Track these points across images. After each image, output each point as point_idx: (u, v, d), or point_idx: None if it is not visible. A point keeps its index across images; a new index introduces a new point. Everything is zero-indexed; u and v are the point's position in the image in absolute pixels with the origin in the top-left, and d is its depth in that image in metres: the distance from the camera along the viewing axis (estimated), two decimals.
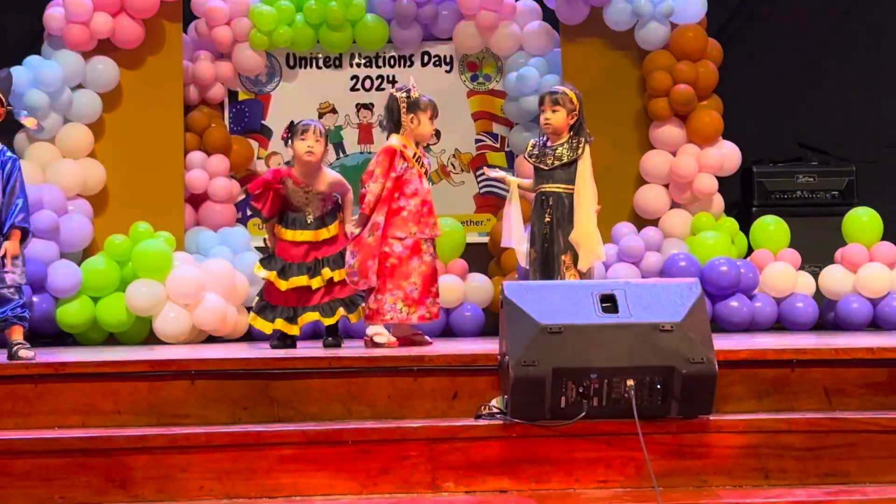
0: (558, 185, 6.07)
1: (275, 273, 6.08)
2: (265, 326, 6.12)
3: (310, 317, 6.10)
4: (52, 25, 7.55)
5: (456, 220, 7.89)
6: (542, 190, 6.11)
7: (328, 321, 6.09)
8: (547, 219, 6.07)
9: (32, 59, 7.48)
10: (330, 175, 6.21)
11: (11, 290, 5.48)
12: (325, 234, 6.12)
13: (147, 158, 7.70)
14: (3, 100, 5.57)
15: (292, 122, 6.18)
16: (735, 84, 8.17)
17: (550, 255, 6.04)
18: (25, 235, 5.58)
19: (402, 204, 5.96)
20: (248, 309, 7.37)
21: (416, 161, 6.02)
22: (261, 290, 6.26)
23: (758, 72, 8.51)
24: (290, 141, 6.14)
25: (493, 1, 8.04)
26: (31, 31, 7.89)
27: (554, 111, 6.07)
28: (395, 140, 6.03)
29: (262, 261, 6.21)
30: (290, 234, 6.13)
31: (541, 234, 6.08)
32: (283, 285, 6.06)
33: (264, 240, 6.31)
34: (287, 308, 6.10)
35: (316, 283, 6.05)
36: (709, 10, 7.93)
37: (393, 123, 6.05)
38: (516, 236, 6.22)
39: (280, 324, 6.08)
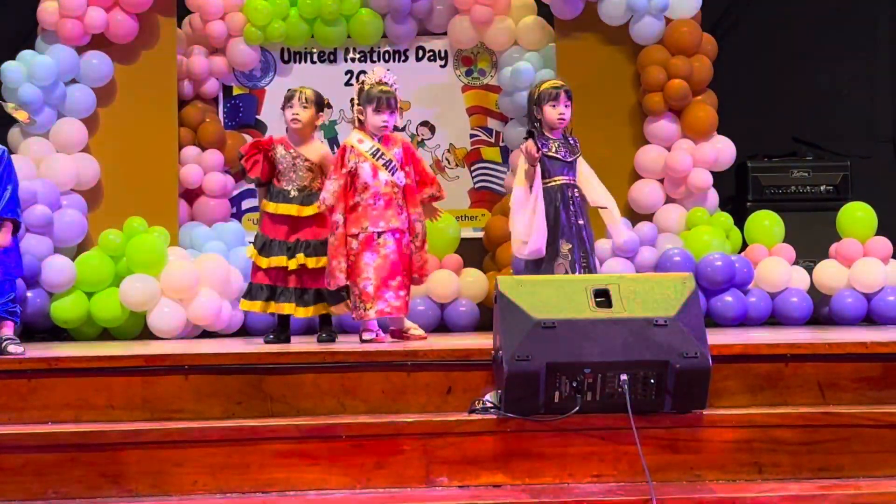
0: (570, 178, 6.10)
1: (256, 251, 6.09)
2: (252, 306, 6.14)
3: (286, 308, 6.08)
4: (46, 20, 7.53)
5: (450, 215, 7.87)
6: (566, 182, 6.06)
7: (301, 313, 6.08)
8: (572, 209, 6.07)
9: (26, 54, 7.46)
10: (322, 148, 6.30)
11: (7, 282, 5.48)
12: (307, 210, 6.10)
13: (141, 153, 7.68)
14: None
15: (289, 90, 6.24)
16: (730, 79, 8.17)
17: (585, 250, 6.04)
18: (17, 227, 5.57)
19: (356, 200, 5.96)
20: None
21: (373, 155, 5.98)
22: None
23: (752, 66, 8.52)
24: (283, 107, 6.23)
25: None
26: (25, 25, 7.87)
27: (567, 106, 6.11)
28: (352, 135, 6.05)
29: (254, 242, 6.24)
30: (272, 207, 6.14)
31: (574, 228, 6.04)
32: (263, 262, 6.08)
33: (257, 235, 6.29)
34: (266, 287, 6.10)
35: (292, 264, 6.05)
36: (703, 5, 7.92)
37: (354, 116, 6.08)
38: (538, 225, 6.14)
39: (258, 306, 6.09)
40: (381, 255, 5.93)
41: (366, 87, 6.03)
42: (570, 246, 6.09)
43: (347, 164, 5.94)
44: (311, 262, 6.05)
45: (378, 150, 5.98)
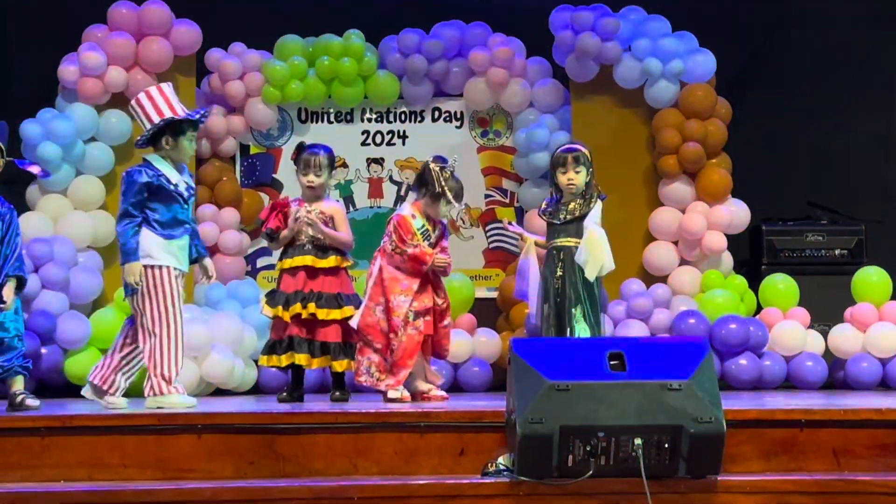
0: (569, 240, 6.14)
1: (280, 307, 6.11)
2: (270, 361, 6.16)
3: (299, 359, 6.09)
4: (67, 79, 7.63)
5: (465, 275, 7.88)
6: (554, 245, 6.18)
7: (314, 363, 6.09)
8: (558, 272, 6.12)
9: (46, 112, 7.55)
10: (337, 204, 6.47)
11: (15, 338, 5.50)
12: (323, 263, 6.15)
13: None
14: (3, 150, 5.59)
15: (301, 144, 6.33)
16: (744, 142, 8.20)
17: (563, 309, 6.07)
18: (21, 285, 5.60)
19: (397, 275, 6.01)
20: (257, 362, 7.41)
21: (423, 235, 6.06)
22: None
23: (767, 130, 8.54)
24: (296, 165, 6.31)
25: (504, 58, 8.10)
26: (46, 83, 7.96)
27: (577, 171, 6.15)
28: (406, 208, 6.12)
29: (266, 298, 6.26)
30: (289, 262, 6.21)
31: (553, 289, 6.12)
32: (286, 316, 6.10)
33: (276, 293, 6.30)
34: (283, 340, 6.13)
35: (304, 312, 6.08)
36: (718, 69, 7.99)
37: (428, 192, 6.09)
38: (532, 291, 6.24)
39: (274, 360, 6.11)
40: (409, 335, 5.95)
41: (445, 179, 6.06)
42: (547, 309, 6.14)
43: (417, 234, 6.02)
44: (321, 314, 6.08)
45: (427, 230, 6.05)
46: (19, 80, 8.23)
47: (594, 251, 6.02)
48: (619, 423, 4.28)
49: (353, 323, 6.00)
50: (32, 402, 5.34)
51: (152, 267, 5.52)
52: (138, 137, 5.70)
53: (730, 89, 8.26)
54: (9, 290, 5.52)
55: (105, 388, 5.59)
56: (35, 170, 6.29)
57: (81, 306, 7.34)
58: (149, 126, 5.58)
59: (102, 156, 7.68)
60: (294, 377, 6.21)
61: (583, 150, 6.24)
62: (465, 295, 7.78)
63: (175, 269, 5.57)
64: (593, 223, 6.11)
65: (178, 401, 5.41)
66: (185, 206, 5.64)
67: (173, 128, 5.58)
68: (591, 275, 6.05)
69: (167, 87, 5.70)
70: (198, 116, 5.69)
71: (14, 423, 4.76)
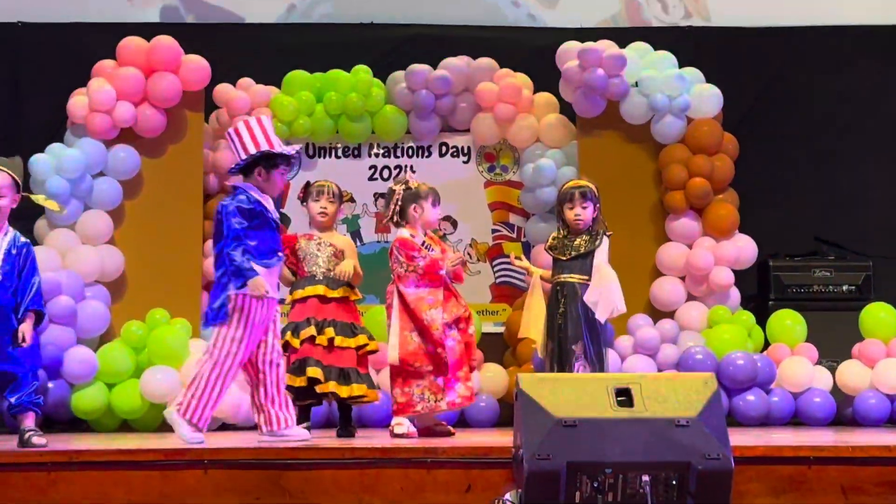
0: (573, 276, 6.16)
1: (289, 333, 6.11)
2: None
3: (313, 371, 6.06)
4: (76, 113, 7.66)
5: (472, 310, 7.86)
6: (559, 280, 6.21)
7: (329, 386, 6.06)
8: (560, 309, 6.14)
9: (55, 147, 7.58)
10: (345, 237, 6.51)
11: (30, 373, 5.51)
12: (334, 293, 6.16)
13: (166, 245, 7.75)
14: (19, 186, 5.64)
15: (308, 183, 6.40)
16: (751, 177, 8.22)
17: (565, 346, 6.07)
18: (40, 318, 5.63)
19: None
20: None
21: (427, 248, 6.08)
22: None
23: (774, 165, 8.56)
24: (305, 201, 6.34)
25: (511, 94, 8.13)
26: (55, 118, 8.00)
27: (584, 207, 6.19)
28: (402, 232, 6.12)
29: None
30: (300, 293, 6.22)
31: (556, 326, 6.13)
32: (296, 342, 6.09)
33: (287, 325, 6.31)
34: (295, 361, 6.11)
35: (321, 339, 6.08)
36: (724, 104, 8.01)
37: (398, 216, 6.13)
38: (535, 327, 6.27)
39: (289, 379, 6.07)
40: (449, 348, 5.96)
41: (413, 187, 6.11)
42: (551, 345, 6.15)
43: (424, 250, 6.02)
44: (339, 341, 6.08)
45: (428, 243, 6.08)
46: (29, 115, 8.28)
47: (605, 293, 6.04)
48: (626, 459, 4.26)
49: (393, 359, 5.97)
50: (39, 440, 5.34)
51: (244, 297, 5.47)
52: (233, 165, 5.69)
53: (737, 125, 8.27)
54: (28, 326, 5.54)
55: (276, 428, 5.53)
56: (52, 205, 6.30)
57: (88, 340, 7.34)
58: (244, 156, 5.57)
59: (111, 190, 7.70)
60: (301, 412, 6.19)
61: (592, 186, 6.30)
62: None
63: (270, 296, 5.54)
64: (604, 263, 6.12)
65: (187, 435, 5.37)
66: (278, 235, 5.65)
67: (268, 160, 5.59)
68: (602, 316, 6.07)
69: (266, 120, 5.73)
70: (293, 153, 5.70)
71: (21, 459, 4.76)
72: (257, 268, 5.40)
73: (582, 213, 6.22)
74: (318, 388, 6.09)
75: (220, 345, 5.40)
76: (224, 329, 5.41)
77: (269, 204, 5.60)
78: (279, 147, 5.61)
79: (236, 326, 5.40)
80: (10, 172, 5.57)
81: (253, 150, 5.54)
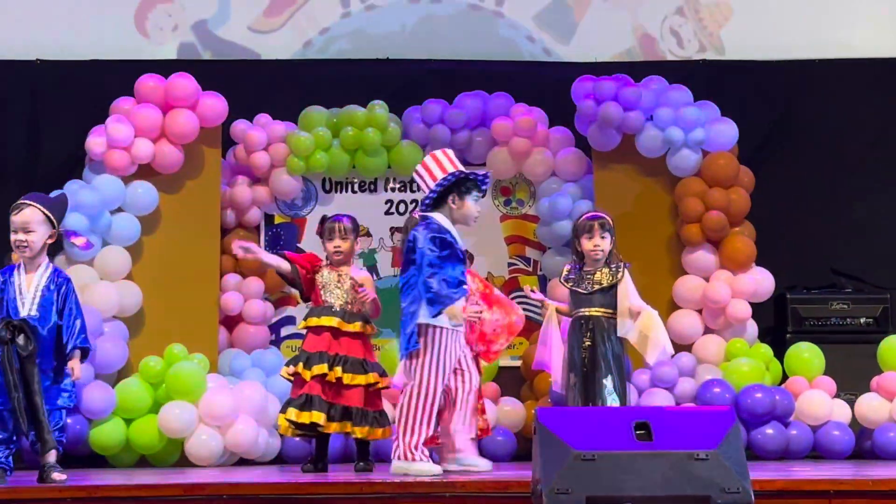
0: (598, 309, 6.16)
1: (301, 364, 6.12)
2: (280, 420, 6.14)
3: (316, 416, 6.05)
4: (94, 150, 7.70)
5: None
6: (581, 314, 6.18)
7: (330, 427, 6.05)
8: (587, 343, 6.12)
9: (73, 184, 7.63)
10: (363, 271, 6.52)
11: (62, 412, 5.53)
12: (349, 327, 6.17)
13: (183, 281, 7.77)
14: (55, 223, 5.64)
15: (324, 217, 6.41)
16: (768, 210, 8.21)
17: (591, 379, 6.06)
18: (86, 355, 5.64)
19: None
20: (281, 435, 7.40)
21: None
22: None
23: (790, 198, 8.54)
24: (321, 237, 6.43)
25: (527, 128, 8.16)
26: (73, 155, 8.06)
27: (603, 237, 6.21)
28: None
29: (289, 361, 6.27)
30: (315, 321, 6.23)
31: (580, 359, 6.11)
32: (307, 375, 6.09)
33: (300, 352, 6.31)
34: (302, 395, 6.09)
35: (330, 376, 6.07)
36: (740, 137, 8.02)
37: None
38: (554, 359, 6.27)
39: (292, 413, 6.06)
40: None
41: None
42: (574, 379, 6.14)
43: None
44: (347, 379, 6.08)
45: None
46: (47, 152, 8.33)
47: (655, 334, 6.04)
48: (645, 493, 4.25)
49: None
50: (59, 476, 5.33)
51: (434, 326, 5.53)
52: (424, 198, 5.74)
53: (752, 157, 8.29)
54: (76, 362, 5.57)
55: (463, 455, 5.67)
56: (80, 241, 6.29)
57: (106, 376, 7.35)
58: (434, 185, 5.62)
59: (129, 226, 7.73)
60: (318, 447, 6.20)
61: (607, 217, 6.32)
62: (488, 364, 7.76)
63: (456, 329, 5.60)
64: (643, 304, 6.13)
65: (425, 468, 5.44)
66: (464, 267, 5.69)
67: (460, 188, 5.62)
68: (652, 359, 6.09)
69: (450, 151, 5.80)
70: (483, 177, 5.74)
71: (41, 494, 4.78)
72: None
73: (601, 244, 6.24)
74: (320, 430, 6.10)
75: (416, 374, 5.56)
76: (417, 358, 5.55)
77: (458, 235, 5.63)
78: (468, 171, 5.67)
79: (429, 354, 5.53)
80: (41, 208, 5.57)
81: (441, 177, 5.56)
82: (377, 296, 6.40)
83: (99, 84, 8.20)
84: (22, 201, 5.57)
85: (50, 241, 5.63)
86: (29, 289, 5.45)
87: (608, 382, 6.07)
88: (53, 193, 6.14)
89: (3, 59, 8.38)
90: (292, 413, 6.09)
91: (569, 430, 4.38)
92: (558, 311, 6.39)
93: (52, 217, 5.61)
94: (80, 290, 7.37)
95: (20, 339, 5.33)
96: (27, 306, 5.43)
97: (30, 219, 5.50)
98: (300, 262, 6.40)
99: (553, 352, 6.32)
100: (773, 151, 8.62)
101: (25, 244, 5.46)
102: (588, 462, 4.28)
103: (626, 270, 6.19)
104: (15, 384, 5.33)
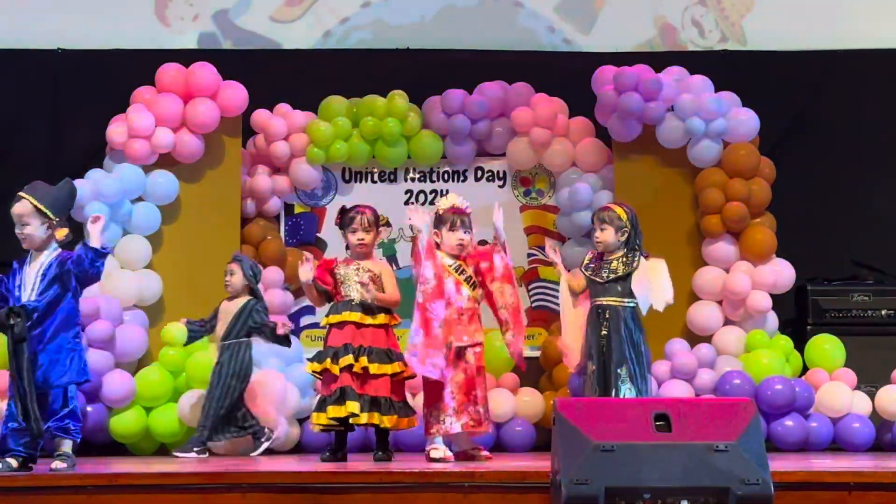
0: (613, 299, 6.16)
1: (328, 360, 6.11)
2: (319, 418, 6.12)
3: (352, 406, 6.05)
4: (115, 140, 7.73)
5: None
6: (598, 303, 6.20)
7: (362, 418, 6.05)
8: (603, 332, 6.12)
9: (95, 173, 7.66)
10: (382, 262, 6.49)
11: (61, 390, 5.41)
12: (370, 319, 6.17)
13: (203, 270, 7.79)
14: (49, 214, 5.41)
15: (343, 208, 6.39)
16: (788, 201, 8.18)
17: (608, 368, 6.06)
18: (101, 255, 5.43)
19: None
20: (300, 421, 7.42)
21: (456, 270, 6.10)
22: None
23: (811, 189, 8.51)
24: (342, 228, 6.36)
25: (547, 118, 8.15)
26: (95, 144, 8.08)
27: (602, 229, 6.21)
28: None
29: (313, 358, 6.27)
30: (336, 318, 6.21)
31: (598, 348, 6.12)
32: (336, 369, 6.09)
33: (324, 349, 6.31)
34: (336, 390, 6.10)
35: (356, 367, 6.08)
36: (761, 128, 7.99)
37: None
38: (568, 336, 6.27)
39: (331, 411, 6.06)
40: (464, 370, 5.96)
41: (439, 212, 6.17)
42: (594, 367, 6.13)
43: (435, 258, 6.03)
44: (373, 368, 6.08)
45: (460, 265, 6.08)
46: (69, 141, 8.36)
47: (656, 283, 6.05)
48: (665, 484, 4.24)
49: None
50: (58, 464, 5.28)
51: None
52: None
53: (773, 148, 8.26)
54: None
55: None
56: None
57: (126, 364, 7.39)
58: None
59: (149, 215, 7.76)
60: (337, 438, 6.20)
61: (614, 209, 6.28)
62: (507, 354, 7.73)
63: None
64: (653, 261, 6.15)
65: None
66: None
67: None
68: (661, 305, 6.07)
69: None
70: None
71: (60, 482, 4.79)
72: None
73: (600, 236, 6.25)
74: (353, 421, 6.10)
75: None
76: None
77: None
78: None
79: None
80: (32, 200, 5.43)
81: None
82: (396, 286, 6.34)
83: (120, 73, 8.23)
84: (19, 193, 5.48)
85: (49, 231, 5.45)
86: (31, 276, 5.43)
87: (623, 371, 6.07)
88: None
89: (25, 48, 8.42)
90: (331, 410, 6.07)
91: (588, 421, 4.37)
92: (571, 290, 6.37)
93: (45, 209, 5.40)
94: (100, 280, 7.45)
95: (17, 325, 5.28)
96: (27, 293, 5.39)
97: (22, 211, 5.41)
98: (324, 279, 6.33)
99: (566, 326, 6.32)
100: (794, 142, 8.58)
101: (23, 237, 5.44)
102: (607, 453, 4.28)
103: (642, 259, 6.18)
104: (14, 372, 5.29)
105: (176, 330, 7.09)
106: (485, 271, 6.20)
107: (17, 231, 5.42)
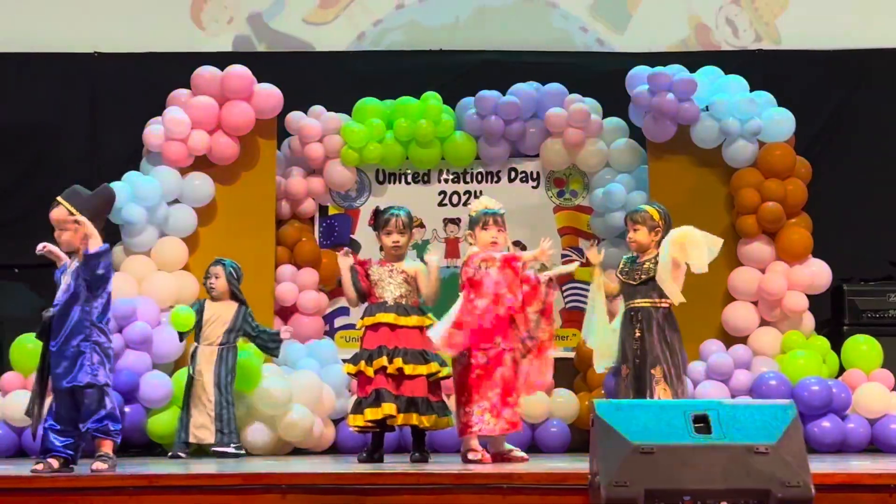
0: (646, 300, 6.15)
1: (363, 362, 6.13)
2: (356, 420, 6.13)
3: (389, 408, 6.06)
4: (152, 142, 7.78)
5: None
6: (632, 305, 6.19)
7: (399, 419, 6.06)
8: (637, 334, 6.11)
9: (131, 175, 7.70)
10: (416, 263, 6.43)
11: (90, 391, 5.43)
12: (405, 321, 6.17)
13: None
14: (87, 218, 5.47)
15: (377, 209, 6.38)
16: (824, 201, 8.14)
17: (643, 370, 6.05)
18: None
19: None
20: (335, 421, 7.44)
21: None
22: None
23: (847, 189, 8.48)
24: (376, 229, 6.36)
25: (580, 119, 8.14)
26: (131, 147, 8.14)
27: (635, 230, 6.20)
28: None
29: (350, 359, 6.29)
30: (370, 319, 6.22)
31: (632, 351, 6.11)
32: (370, 371, 6.10)
33: (360, 351, 6.32)
34: (371, 392, 6.11)
35: (390, 368, 6.08)
36: (797, 127, 7.95)
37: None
38: (597, 336, 6.26)
39: (368, 413, 6.07)
40: (501, 373, 5.96)
41: (472, 214, 6.18)
42: (627, 370, 6.12)
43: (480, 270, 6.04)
44: (408, 369, 6.08)
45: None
46: (105, 144, 8.44)
47: (691, 243, 6.01)
48: (705, 486, 4.23)
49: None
50: (98, 465, 5.32)
51: None
52: None
53: (809, 148, 8.22)
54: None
55: None
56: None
57: (163, 366, 7.43)
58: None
59: (185, 217, 7.81)
60: (374, 439, 6.21)
61: (647, 209, 6.27)
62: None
63: None
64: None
65: None
66: None
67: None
68: (704, 265, 6.01)
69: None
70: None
71: (101, 482, 4.83)
72: None
73: (633, 237, 6.25)
74: (390, 423, 6.11)
75: None
76: None
77: None
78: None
79: None
80: (67, 206, 5.45)
81: None
82: (432, 287, 6.33)
83: (156, 76, 8.30)
84: (57, 198, 5.51)
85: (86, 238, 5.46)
86: (64, 281, 5.48)
87: (657, 372, 6.06)
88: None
89: (62, 52, 8.50)
90: (368, 412, 6.08)
91: (627, 422, 4.37)
92: (606, 291, 6.34)
93: (81, 213, 5.38)
94: (137, 281, 7.52)
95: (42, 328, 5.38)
96: (59, 297, 5.46)
97: (59, 217, 5.46)
98: (363, 279, 6.35)
99: (594, 325, 6.29)
100: (830, 142, 8.55)
101: (61, 242, 5.47)
102: (647, 455, 4.27)
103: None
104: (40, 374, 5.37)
105: (185, 313, 7.02)
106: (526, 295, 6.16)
107: (55, 236, 5.47)
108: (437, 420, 6.15)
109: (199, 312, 7.06)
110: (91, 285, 5.42)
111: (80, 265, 5.40)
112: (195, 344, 7.05)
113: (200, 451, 6.92)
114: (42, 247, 5.48)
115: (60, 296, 5.42)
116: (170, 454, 6.84)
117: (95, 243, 5.39)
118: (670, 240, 6.08)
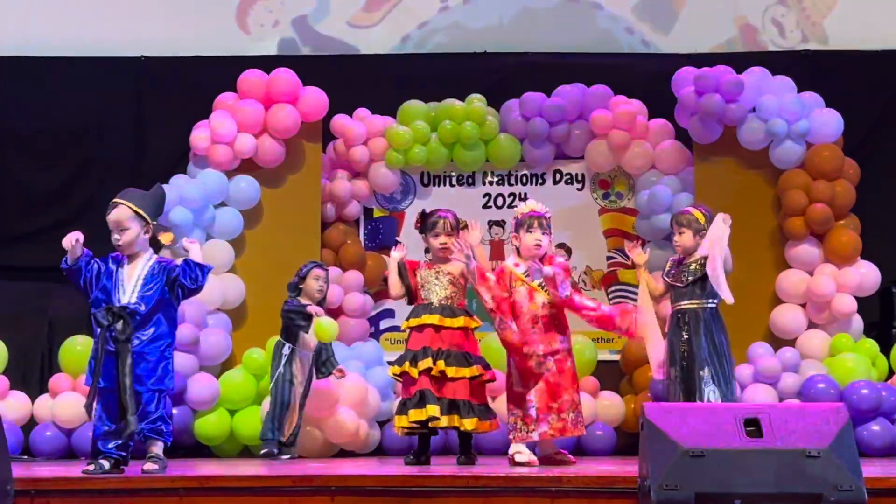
0: (693, 302, 6.12)
1: (407, 363, 6.14)
2: (402, 421, 6.14)
3: (432, 410, 6.05)
4: (198, 146, 7.83)
5: (587, 338, 7.84)
6: (679, 308, 6.17)
7: (442, 421, 6.06)
8: (685, 336, 6.09)
9: (178, 178, 7.76)
10: (460, 263, 6.32)
11: (155, 394, 5.50)
12: (450, 322, 6.17)
13: (285, 274, 7.78)
14: (148, 218, 5.56)
15: (423, 212, 6.38)
16: (873, 202, 8.07)
17: (691, 373, 6.02)
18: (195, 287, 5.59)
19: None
20: (381, 423, 7.45)
21: (527, 277, 6.07)
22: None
23: None
24: (423, 232, 6.38)
25: (626, 120, 8.11)
26: (177, 150, 8.20)
27: (680, 233, 6.18)
28: (508, 260, 6.20)
29: (395, 361, 6.29)
30: (416, 321, 6.23)
31: (679, 353, 6.08)
32: (414, 372, 6.11)
33: (405, 352, 6.32)
34: (415, 393, 6.12)
35: (434, 370, 6.08)
36: (845, 128, 7.88)
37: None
38: (653, 346, 6.23)
39: (413, 414, 6.08)
40: (545, 379, 5.94)
41: (518, 216, 6.17)
42: (674, 372, 6.09)
43: (507, 285, 6.01)
44: (451, 372, 6.08)
45: (527, 271, 6.06)
46: (152, 147, 8.49)
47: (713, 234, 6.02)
48: (756, 490, 4.19)
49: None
50: (150, 466, 5.37)
51: None
52: None
53: (857, 149, 8.15)
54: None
55: None
56: (166, 238, 6.27)
57: (211, 368, 7.47)
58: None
59: (232, 220, 7.85)
60: (421, 440, 6.22)
61: (692, 212, 6.25)
62: (587, 357, 7.74)
63: None
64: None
65: None
66: None
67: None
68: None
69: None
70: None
71: (152, 484, 4.86)
72: None
73: (678, 240, 6.24)
74: (432, 424, 6.11)
75: None
76: None
77: None
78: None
79: None
80: (131, 205, 5.54)
81: None
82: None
83: (202, 80, 8.34)
84: (115, 199, 5.58)
85: (146, 236, 5.58)
86: (130, 280, 5.51)
87: (705, 374, 6.03)
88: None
89: (109, 56, 8.56)
90: (412, 414, 6.09)
91: (677, 426, 4.34)
92: (650, 292, 6.31)
93: (143, 213, 5.53)
94: None
95: (118, 325, 5.39)
96: (128, 295, 5.48)
97: (120, 217, 5.51)
98: (412, 276, 6.37)
99: (648, 331, 6.25)
100: (878, 143, 8.46)
101: (121, 243, 5.52)
102: (697, 458, 4.24)
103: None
104: (99, 371, 5.38)
105: (328, 324, 6.99)
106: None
107: (113, 238, 5.51)
108: (480, 423, 6.14)
109: (308, 318, 6.98)
110: (185, 293, 5.54)
111: (164, 267, 5.49)
112: (290, 346, 6.98)
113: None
114: (75, 238, 5.49)
115: (140, 294, 5.45)
116: (262, 451, 6.77)
117: (197, 253, 5.60)
118: (710, 238, 6.09)
